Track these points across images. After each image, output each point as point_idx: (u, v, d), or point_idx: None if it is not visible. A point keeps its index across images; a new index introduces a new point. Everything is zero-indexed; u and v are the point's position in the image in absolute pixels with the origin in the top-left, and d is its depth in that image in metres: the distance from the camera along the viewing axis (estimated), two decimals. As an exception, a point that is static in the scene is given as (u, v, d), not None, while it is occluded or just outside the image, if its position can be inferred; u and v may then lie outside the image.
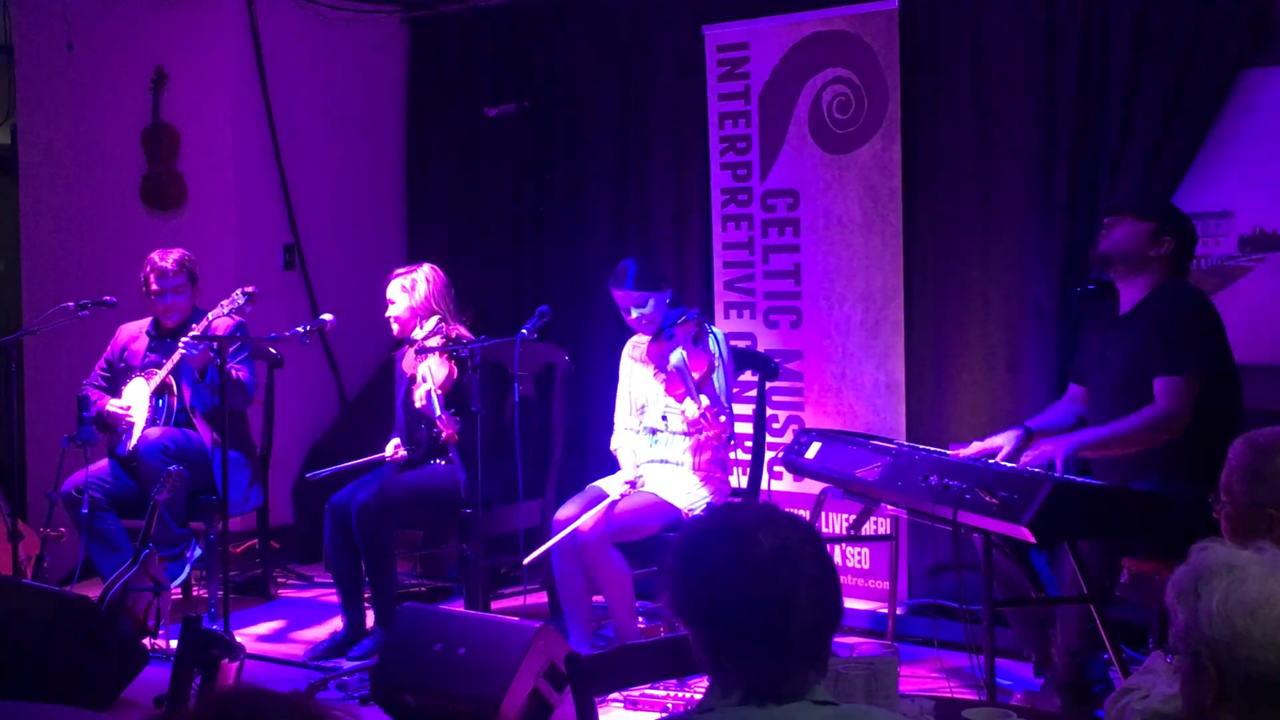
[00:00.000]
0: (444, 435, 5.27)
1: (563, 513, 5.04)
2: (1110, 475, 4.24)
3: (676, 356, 5.02)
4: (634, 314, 5.18)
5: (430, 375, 5.37)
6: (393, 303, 5.56)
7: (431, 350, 5.40)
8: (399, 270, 5.61)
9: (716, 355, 5.09)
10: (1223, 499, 2.77)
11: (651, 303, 5.15)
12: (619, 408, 5.36)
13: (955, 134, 5.52)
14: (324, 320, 5.50)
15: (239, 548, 6.33)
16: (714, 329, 5.14)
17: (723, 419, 5.01)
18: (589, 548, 4.89)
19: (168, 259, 5.77)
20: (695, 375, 5.00)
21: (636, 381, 5.31)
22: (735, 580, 1.90)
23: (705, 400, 4.96)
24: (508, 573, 6.03)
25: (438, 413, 5.27)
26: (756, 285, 5.94)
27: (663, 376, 5.16)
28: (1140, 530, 4.00)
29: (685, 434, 5.14)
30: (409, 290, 5.53)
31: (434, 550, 6.39)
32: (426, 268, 5.61)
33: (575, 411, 6.10)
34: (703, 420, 4.96)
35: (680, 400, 5.06)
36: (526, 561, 4.96)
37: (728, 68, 5.95)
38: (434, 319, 5.53)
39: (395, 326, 5.60)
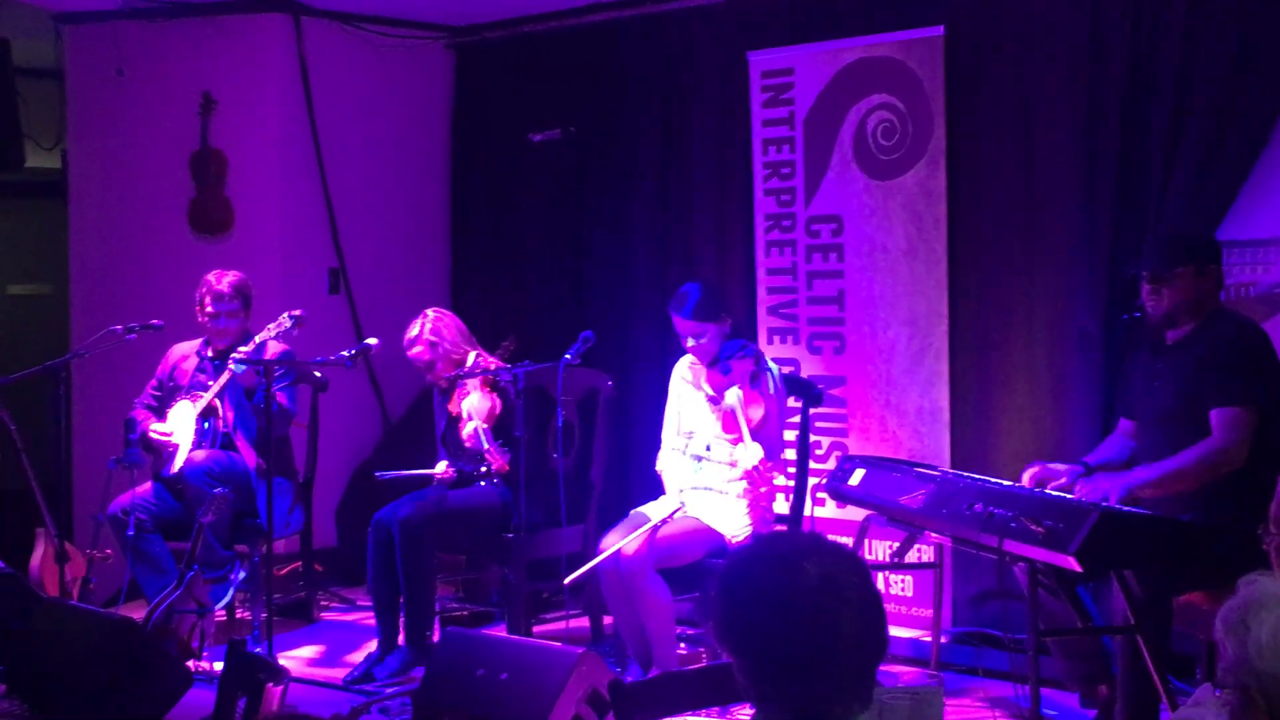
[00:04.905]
0: (494, 466, 5.29)
1: (607, 541, 5.03)
2: (1160, 506, 4.20)
3: (732, 396, 5.00)
4: (690, 343, 5.17)
5: (474, 412, 5.39)
6: (426, 361, 5.59)
7: (472, 375, 5.41)
8: (410, 334, 5.62)
9: (775, 399, 5.04)
10: (1272, 530, 2.74)
11: (709, 334, 5.13)
12: (666, 427, 5.37)
13: (1000, 161, 5.50)
14: (368, 344, 5.53)
15: (282, 570, 6.36)
16: (771, 366, 5.08)
17: (775, 476, 4.99)
18: (631, 571, 4.89)
19: (223, 281, 5.82)
20: (750, 419, 4.96)
21: (686, 405, 5.30)
22: (781, 609, 1.90)
23: (760, 452, 4.95)
24: (550, 598, 6.04)
25: (486, 446, 5.29)
26: (800, 311, 5.94)
27: (717, 411, 5.13)
28: (1188, 562, 3.96)
29: (731, 465, 5.13)
30: (436, 344, 5.57)
31: (476, 575, 6.40)
32: (432, 315, 5.66)
33: (618, 437, 6.12)
34: (755, 473, 4.98)
35: (733, 441, 5.05)
36: (568, 581, 4.96)
37: (772, 93, 5.96)
38: (471, 355, 5.57)
39: (433, 379, 5.65)
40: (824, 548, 1.97)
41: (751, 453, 4.95)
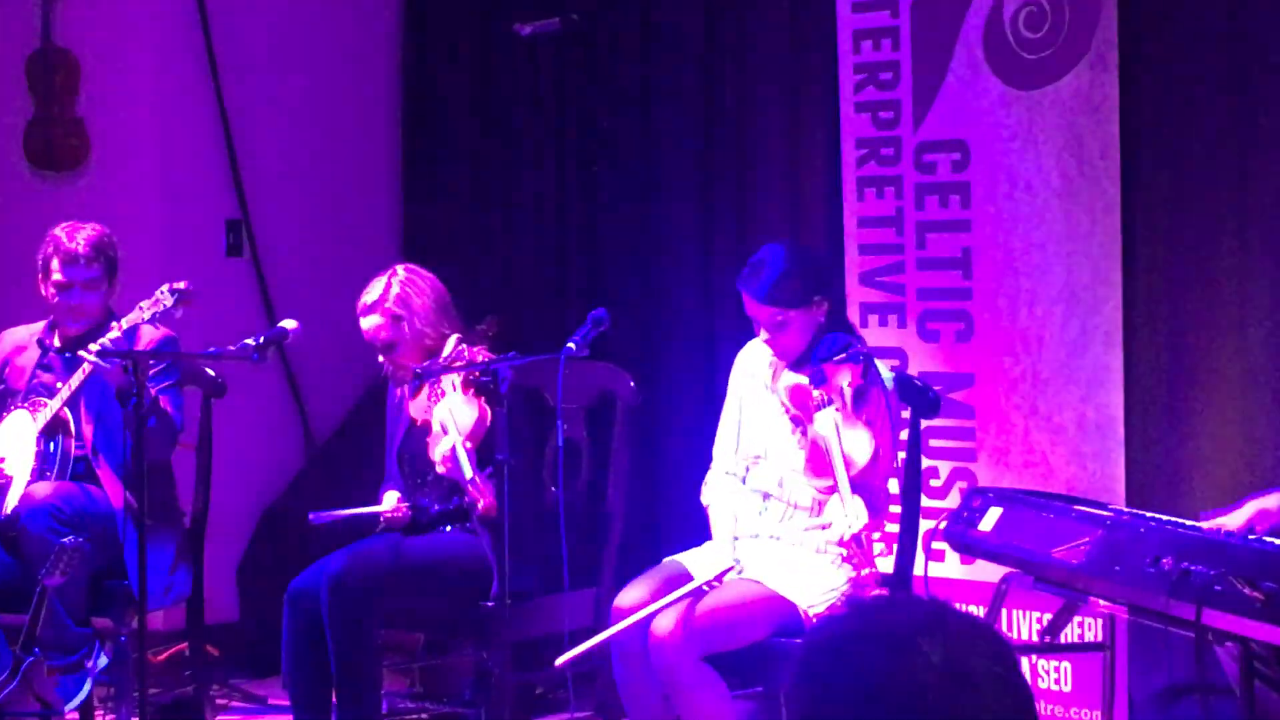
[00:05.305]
0: (481, 505, 5.26)
1: (626, 597, 5.01)
2: None
3: (825, 423, 4.93)
4: (764, 335, 5.13)
5: (453, 422, 5.37)
6: (385, 341, 5.59)
7: (448, 371, 5.39)
8: (367, 297, 5.61)
9: (888, 426, 4.98)
10: None
11: (794, 323, 5.07)
12: (720, 440, 5.34)
13: (1202, 62, 5.49)
14: (284, 329, 5.55)
15: (161, 655, 6.39)
16: (884, 374, 4.97)
17: (879, 549, 4.95)
18: (668, 660, 4.85)
19: (78, 238, 5.79)
20: (850, 458, 4.88)
21: (751, 414, 5.26)
22: (890, 708, 1.89)
23: (864, 515, 4.89)
24: (546, 693, 6.04)
25: (469, 475, 5.28)
26: (907, 279, 5.93)
27: (800, 437, 5.08)
28: None
29: (813, 512, 5.11)
30: (402, 319, 5.57)
31: (440, 660, 6.41)
32: (403, 274, 5.66)
33: (644, 460, 6.15)
34: (854, 545, 4.92)
35: (825, 490, 5.00)
36: (561, 662, 4.94)
37: (866, -35, 6.00)
38: (451, 340, 5.56)
39: (393, 369, 5.65)
40: (949, 621, 1.96)
41: (854, 515, 4.89)
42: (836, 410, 4.92)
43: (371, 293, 5.62)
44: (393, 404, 5.81)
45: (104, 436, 5.71)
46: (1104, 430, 5.57)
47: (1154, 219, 5.58)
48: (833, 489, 4.95)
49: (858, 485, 4.92)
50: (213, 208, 7.02)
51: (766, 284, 5.05)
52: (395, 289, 5.60)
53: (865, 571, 4.98)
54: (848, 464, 4.90)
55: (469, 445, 5.34)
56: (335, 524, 5.56)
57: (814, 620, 4.92)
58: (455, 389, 5.46)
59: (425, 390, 5.55)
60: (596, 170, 6.83)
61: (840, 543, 4.96)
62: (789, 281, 5.05)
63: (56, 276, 5.81)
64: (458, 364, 5.46)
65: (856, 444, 4.93)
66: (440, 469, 5.42)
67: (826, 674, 1.95)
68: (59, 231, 5.84)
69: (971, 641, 1.94)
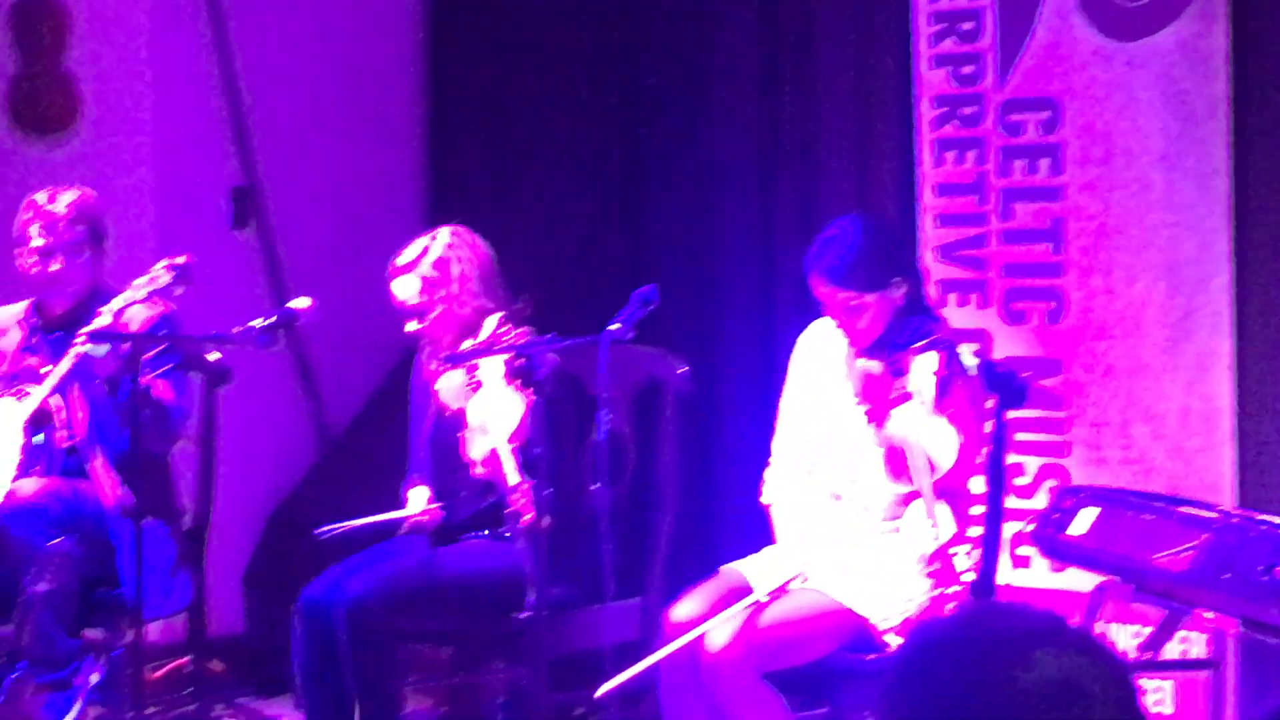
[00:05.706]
0: (524, 519, 5.20)
1: (681, 611, 4.99)
2: None
3: (904, 423, 4.89)
4: (833, 321, 5.08)
5: (494, 419, 5.34)
6: (415, 308, 5.56)
7: (476, 356, 5.35)
8: (404, 256, 5.58)
9: (973, 420, 4.91)
10: None
11: (869, 309, 5.02)
12: (781, 433, 5.31)
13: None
14: (295, 310, 5.55)
15: (159, 670, 6.39)
16: (968, 362, 4.80)
17: (965, 563, 4.91)
18: (723, 679, 4.84)
19: (59, 201, 5.80)
20: (934, 461, 4.85)
21: (818, 403, 5.23)
22: None
23: (951, 527, 4.87)
24: (586, 714, 6.03)
25: (514, 481, 5.21)
26: (991, 254, 5.95)
27: (875, 430, 5.03)
28: None
29: (888, 516, 5.08)
30: (439, 284, 5.53)
31: (468, 679, 6.41)
32: (448, 235, 5.63)
33: (696, 455, 6.15)
34: (940, 560, 4.88)
35: (904, 502, 4.98)
36: (600, 693, 4.93)
37: (944, -100, 6.01)
38: (492, 320, 5.50)
39: (425, 343, 5.65)
40: (1067, 636, 1.95)
41: (944, 526, 4.88)
42: (918, 405, 4.88)
43: (408, 253, 5.58)
44: (420, 383, 5.78)
45: (99, 428, 5.71)
46: (1211, 422, 5.58)
47: (1267, 186, 5.58)
48: (914, 495, 4.95)
49: (942, 490, 4.92)
50: (216, 174, 7.03)
51: (841, 265, 4.98)
52: (436, 251, 5.55)
53: (953, 589, 4.92)
54: (932, 468, 4.88)
55: (514, 447, 5.28)
56: (347, 536, 5.53)
57: (884, 635, 4.93)
58: (499, 377, 5.40)
59: (461, 374, 5.49)
60: (641, 132, 6.85)
61: (927, 559, 4.93)
62: (866, 261, 4.99)
63: (36, 242, 5.81)
64: (496, 345, 5.40)
65: (941, 445, 4.89)
66: (480, 470, 5.39)
67: (924, 687, 1.94)
68: (38, 196, 5.86)
69: (1089, 659, 1.93)
